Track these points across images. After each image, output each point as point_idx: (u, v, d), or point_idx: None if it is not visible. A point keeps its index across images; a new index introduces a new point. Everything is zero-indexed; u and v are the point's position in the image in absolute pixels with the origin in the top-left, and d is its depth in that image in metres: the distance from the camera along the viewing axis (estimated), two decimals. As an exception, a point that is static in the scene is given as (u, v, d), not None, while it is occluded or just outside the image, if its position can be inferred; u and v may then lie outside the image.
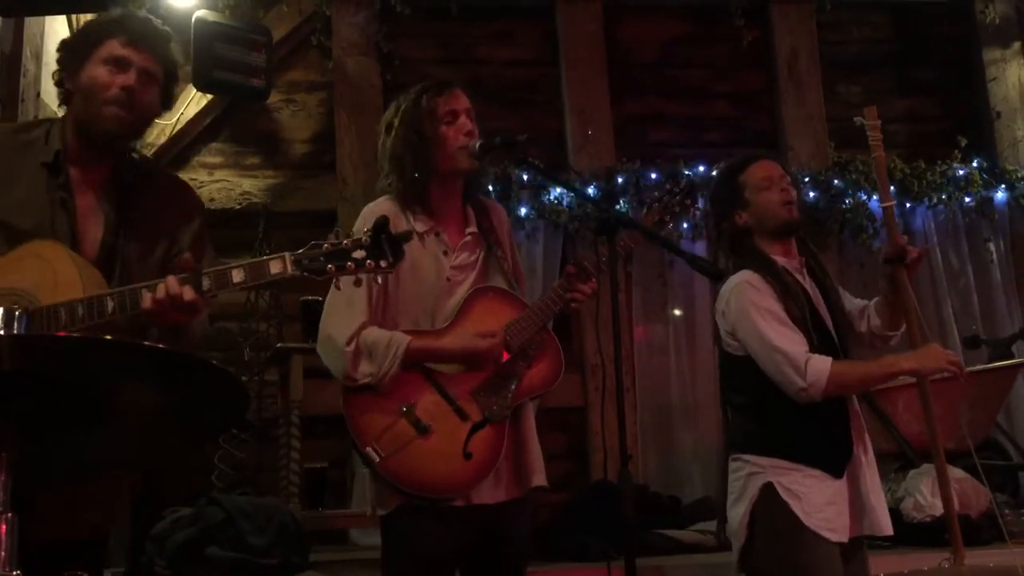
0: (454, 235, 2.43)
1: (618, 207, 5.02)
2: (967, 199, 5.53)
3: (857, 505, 2.47)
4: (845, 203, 5.35)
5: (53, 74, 2.09)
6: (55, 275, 1.83)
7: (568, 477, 4.96)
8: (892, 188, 5.32)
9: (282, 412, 4.42)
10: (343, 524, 4.57)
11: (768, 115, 5.72)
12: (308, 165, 5.31)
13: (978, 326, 5.37)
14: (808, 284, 2.61)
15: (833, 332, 2.56)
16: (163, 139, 5.05)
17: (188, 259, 1.82)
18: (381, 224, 1.84)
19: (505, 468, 2.33)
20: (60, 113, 2.16)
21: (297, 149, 5.34)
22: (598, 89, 5.48)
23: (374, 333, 2.28)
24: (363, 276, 1.83)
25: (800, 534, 2.39)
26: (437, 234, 2.40)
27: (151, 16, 2.10)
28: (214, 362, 1.19)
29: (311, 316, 4.16)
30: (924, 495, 3.91)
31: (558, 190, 5.10)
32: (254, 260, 1.83)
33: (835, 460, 2.46)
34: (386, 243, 1.82)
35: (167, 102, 2.13)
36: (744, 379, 2.55)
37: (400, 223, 2.35)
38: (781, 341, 2.43)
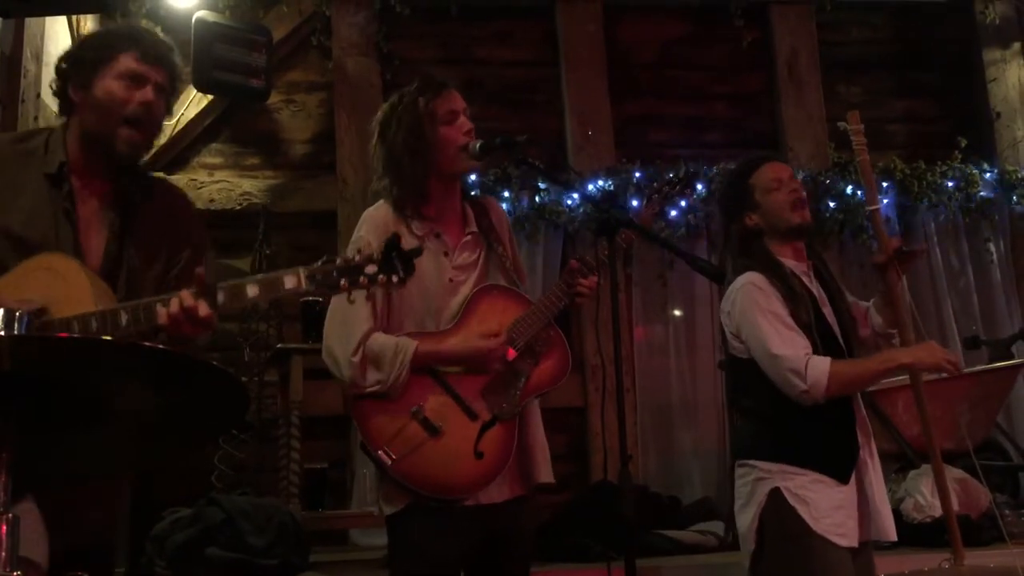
0: (454, 236, 2.43)
1: (618, 207, 5.02)
2: (967, 200, 5.53)
3: (864, 510, 2.47)
4: (845, 204, 5.35)
5: (51, 83, 2.09)
6: (67, 288, 1.84)
7: (568, 478, 4.95)
8: (892, 188, 5.36)
9: (282, 412, 4.42)
10: (343, 524, 4.57)
11: (768, 116, 5.72)
12: (308, 165, 5.31)
13: (978, 326, 5.37)
14: (815, 288, 2.61)
15: (839, 336, 2.56)
16: (163, 140, 5.04)
17: (201, 273, 1.82)
18: (392, 240, 1.88)
19: (510, 466, 2.33)
20: (40, 121, 2.15)
21: (297, 149, 5.35)
22: (598, 89, 5.48)
23: (380, 340, 2.28)
24: (375, 291, 1.85)
25: (810, 539, 2.38)
26: (437, 236, 2.40)
27: (154, 27, 2.10)
28: (214, 363, 1.19)
29: (311, 316, 4.17)
30: (924, 496, 3.91)
31: (558, 190, 5.10)
32: (268, 275, 1.85)
33: (841, 465, 2.46)
34: (397, 259, 1.86)
35: (170, 110, 2.15)
36: (751, 382, 2.54)
37: (400, 227, 2.36)
38: (783, 344, 2.43)
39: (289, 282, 1.83)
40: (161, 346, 1.17)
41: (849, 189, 5.36)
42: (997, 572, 2.68)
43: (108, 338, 1.21)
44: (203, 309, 1.78)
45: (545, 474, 2.40)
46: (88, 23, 4.62)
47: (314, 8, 5.29)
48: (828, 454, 2.46)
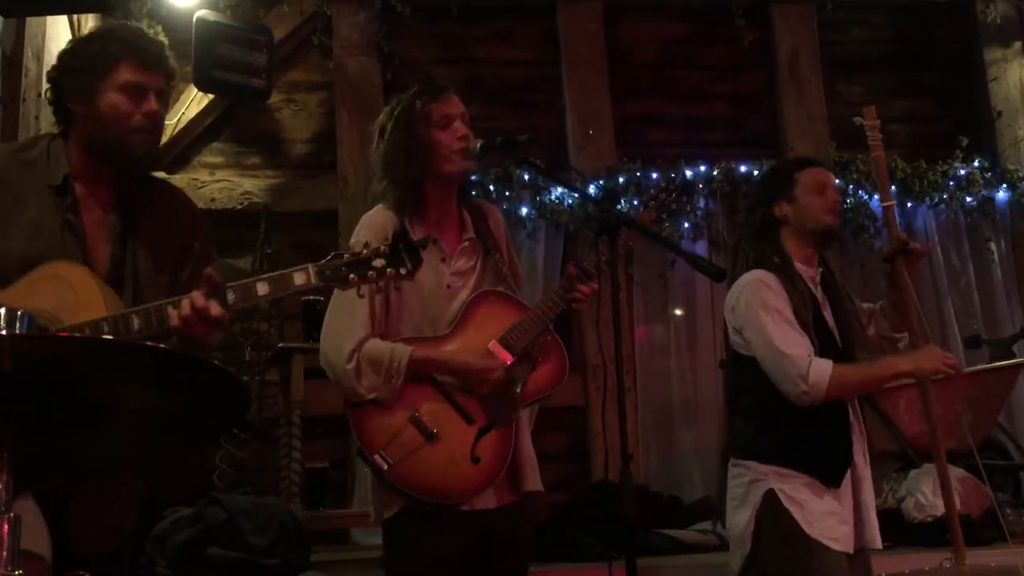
0: (451, 241, 2.43)
1: (619, 207, 5.02)
2: (968, 199, 5.53)
3: (858, 516, 2.48)
4: (846, 203, 5.35)
5: (46, 92, 2.08)
6: (76, 295, 1.84)
7: (569, 477, 4.96)
8: (893, 188, 5.35)
9: (283, 412, 4.42)
10: (344, 524, 4.57)
11: (768, 115, 5.72)
12: (309, 165, 5.31)
13: (979, 326, 5.36)
14: (820, 295, 2.61)
15: (840, 342, 2.56)
16: (164, 139, 5.04)
17: (210, 274, 1.83)
18: (400, 233, 1.92)
19: (504, 472, 2.33)
20: (41, 120, 2.15)
21: (298, 149, 5.35)
22: (599, 89, 5.48)
23: (375, 347, 2.27)
24: (383, 284, 1.88)
25: (806, 542, 2.39)
26: (434, 242, 2.39)
27: (154, 26, 2.10)
28: (215, 362, 1.19)
29: (312, 316, 4.17)
30: (925, 495, 3.91)
31: (559, 190, 5.11)
32: (278, 273, 1.87)
33: (833, 470, 2.46)
34: (404, 251, 1.88)
35: (167, 108, 2.15)
36: (750, 381, 2.54)
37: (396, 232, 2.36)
38: (787, 343, 2.43)
39: (299, 279, 1.84)
40: (162, 346, 1.17)
41: (850, 188, 5.36)
42: (998, 571, 2.68)
43: (109, 337, 1.22)
44: (215, 309, 1.78)
45: (532, 482, 2.39)
46: (89, 22, 4.62)
47: (315, 8, 5.29)
48: (821, 459, 2.47)
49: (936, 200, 5.49)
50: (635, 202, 5.03)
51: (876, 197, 5.35)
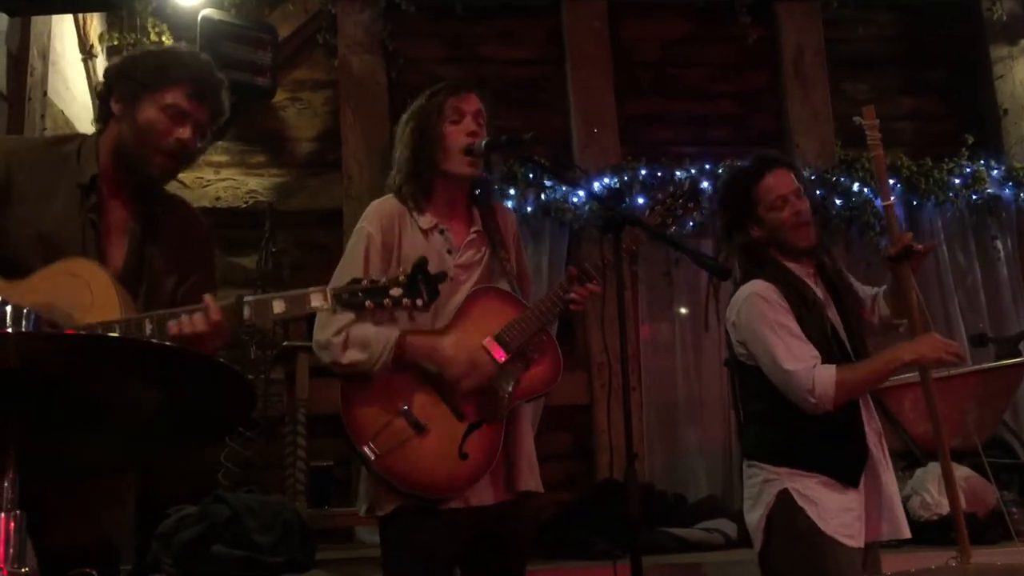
0: (459, 233, 2.43)
1: (624, 205, 5.01)
2: (974, 197, 5.51)
3: (878, 510, 2.47)
4: (851, 201, 5.34)
5: (97, 85, 2.10)
6: (91, 295, 1.86)
7: (574, 476, 4.96)
8: (898, 186, 5.35)
9: (288, 410, 4.43)
10: (348, 522, 4.57)
11: (774, 113, 5.71)
12: (314, 163, 5.31)
13: (985, 324, 5.35)
14: (820, 290, 2.60)
15: (846, 340, 2.55)
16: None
17: (208, 303, 1.87)
18: (420, 264, 1.93)
19: (500, 470, 2.32)
20: (46, 119, 2.17)
21: (303, 147, 5.35)
22: (603, 87, 5.48)
23: (366, 328, 2.27)
24: (399, 314, 1.92)
25: (819, 539, 2.38)
26: (441, 231, 2.40)
27: (210, 60, 2.12)
28: (221, 360, 1.19)
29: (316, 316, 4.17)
30: (931, 493, 3.91)
31: (564, 188, 5.10)
32: (295, 292, 1.90)
33: (850, 470, 2.46)
34: (422, 283, 1.91)
35: (204, 140, 2.16)
36: (758, 387, 2.54)
37: (404, 220, 2.36)
38: (789, 358, 2.42)
39: (315, 300, 1.88)
40: (168, 344, 1.17)
41: (856, 186, 5.35)
42: (1004, 570, 2.67)
43: (115, 335, 1.22)
44: (217, 314, 1.84)
45: (527, 482, 2.36)
46: (94, 21, 4.63)
47: (320, 6, 5.29)
48: (837, 458, 2.46)
49: (942, 198, 5.47)
50: (640, 200, 5.03)
51: (880, 196, 5.34)
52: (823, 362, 2.42)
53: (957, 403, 3.90)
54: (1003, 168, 5.58)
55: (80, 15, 4.39)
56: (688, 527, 4.37)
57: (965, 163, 5.52)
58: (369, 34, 5.33)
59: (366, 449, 2.23)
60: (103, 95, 2.08)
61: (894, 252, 2.59)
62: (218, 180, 5.17)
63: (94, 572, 1.37)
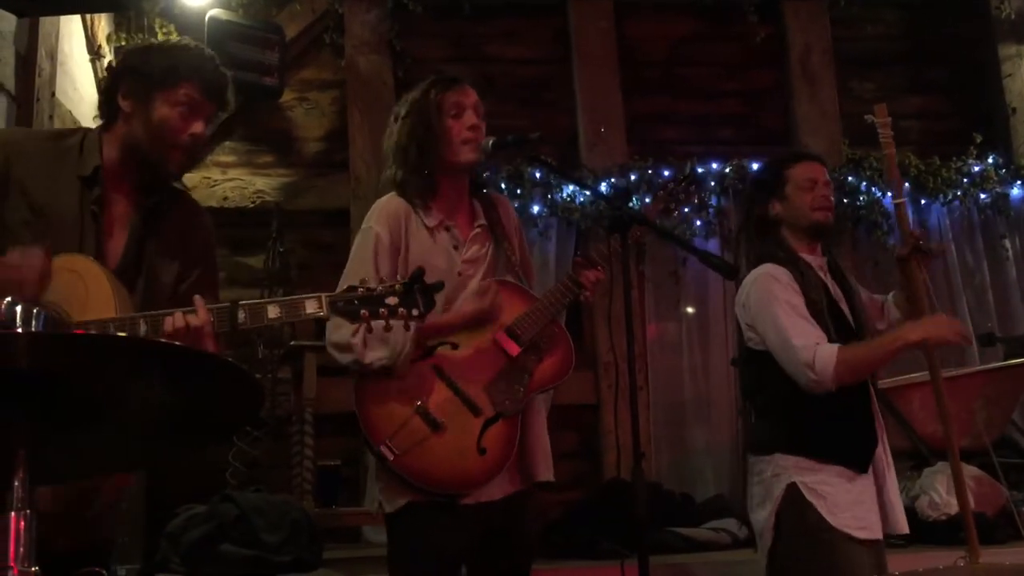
0: (463, 228, 2.44)
1: (630, 204, 5.01)
2: (982, 196, 5.50)
3: (881, 503, 2.47)
4: (859, 200, 5.33)
5: (101, 81, 2.11)
6: (87, 291, 1.86)
7: (581, 475, 4.96)
8: (906, 185, 5.33)
9: (295, 410, 4.44)
10: (356, 521, 4.58)
11: (781, 112, 5.70)
12: (321, 163, 5.32)
13: (993, 323, 5.33)
14: (830, 282, 2.61)
15: (854, 328, 2.55)
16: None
17: (199, 302, 1.87)
18: (417, 274, 1.92)
19: (511, 463, 2.33)
20: (55, 120, 2.17)
21: (310, 147, 5.36)
22: (610, 86, 5.48)
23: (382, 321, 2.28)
24: (394, 323, 1.90)
25: (827, 534, 2.38)
26: (447, 228, 2.40)
27: (215, 55, 2.14)
28: (230, 360, 1.19)
29: (324, 314, 4.17)
30: (939, 493, 3.89)
31: (570, 188, 5.10)
32: (290, 298, 1.91)
33: (860, 455, 2.45)
34: (418, 292, 1.91)
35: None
36: (766, 377, 2.54)
37: (410, 218, 2.36)
38: (795, 333, 2.43)
39: (310, 307, 1.89)
40: (178, 343, 1.18)
41: (863, 185, 5.33)
42: (1013, 570, 2.66)
43: (124, 335, 1.22)
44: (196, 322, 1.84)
45: (544, 472, 2.39)
46: (102, 22, 4.64)
47: (327, 6, 5.30)
48: (846, 445, 2.46)
49: (950, 197, 5.46)
50: (647, 200, 5.02)
51: (889, 195, 5.33)
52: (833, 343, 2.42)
53: (966, 403, 3.89)
54: (1011, 167, 5.56)
55: (88, 16, 4.41)
56: (695, 527, 4.36)
57: (973, 162, 5.50)
58: (376, 34, 5.34)
59: (384, 448, 2.23)
60: (109, 90, 2.08)
61: (904, 251, 2.59)
62: (225, 180, 5.18)
63: (103, 571, 1.37)
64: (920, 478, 4.06)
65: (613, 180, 5.17)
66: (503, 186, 5.04)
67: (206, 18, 4.66)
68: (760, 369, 2.57)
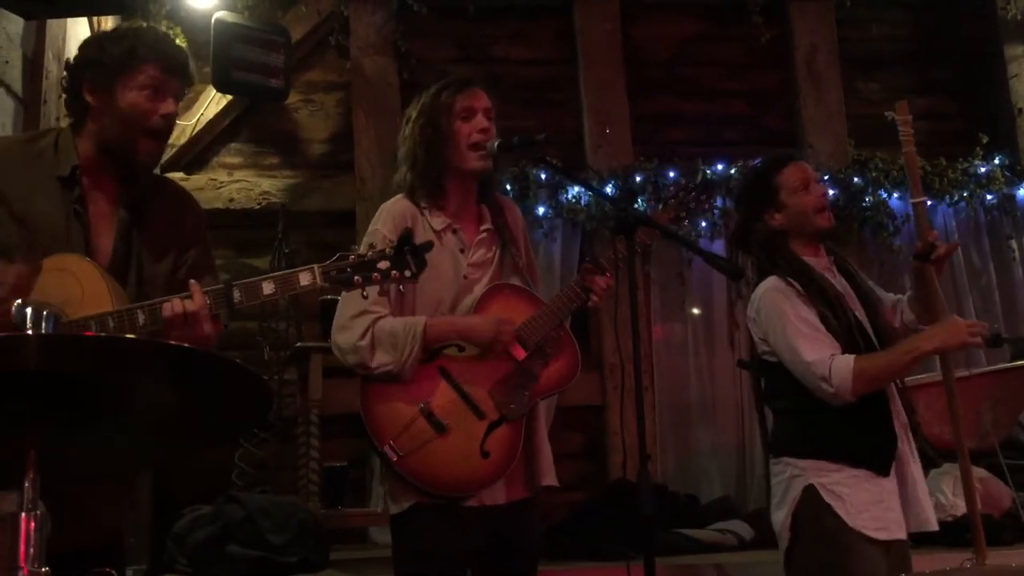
0: (470, 232, 2.44)
1: (636, 205, 5.01)
2: (989, 196, 5.49)
3: (906, 502, 2.46)
4: (865, 201, 5.32)
5: (63, 79, 2.09)
6: (82, 288, 1.86)
7: (586, 477, 4.96)
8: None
9: (301, 411, 4.44)
10: (362, 522, 4.59)
11: (786, 113, 5.70)
12: (326, 165, 5.33)
13: (1000, 324, 5.32)
14: (840, 283, 2.60)
15: (871, 332, 2.55)
16: (183, 140, 5.08)
17: (194, 286, 1.87)
18: (405, 235, 1.91)
19: (516, 468, 2.33)
20: (63, 122, 2.16)
21: (315, 149, 5.37)
22: (615, 87, 5.48)
23: (389, 322, 2.29)
24: (388, 286, 1.89)
25: (844, 536, 2.37)
26: (454, 231, 2.41)
27: (173, 28, 2.13)
28: (238, 361, 1.20)
29: (330, 315, 4.17)
30: (946, 495, 3.89)
31: (576, 189, 5.10)
32: (283, 272, 1.89)
33: (881, 458, 2.44)
34: (409, 254, 1.90)
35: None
36: (783, 384, 2.53)
37: (417, 221, 2.36)
38: (807, 349, 2.41)
39: (304, 279, 1.87)
40: (186, 345, 1.18)
41: (869, 186, 5.32)
42: (1020, 572, 2.66)
43: (132, 336, 1.23)
44: (193, 307, 1.83)
45: (548, 477, 2.39)
46: (109, 24, 4.65)
47: (332, 8, 5.30)
48: (866, 448, 2.45)
49: (956, 198, 5.45)
50: (658, 207, 5.01)
51: (896, 195, 5.33)
52: (848, 354, 2.41)
53: (973, 404, 3.88)
54: (1018, 167, 5.55)
55: (95, 18, 4.42)
56: (701, 528, 4.36)
57: (979, 163, 5.48)
58: (381, 35, 5.35)
59: (388, 449, 2.24)
60: (72, 87, 2.05)
61: (919, 250, 2.58)
62: (231, 182, 5.19)
63: (113, 572, 1.37)
64: (927, 480, 4.05)
65: (619, 181, 5.17)
66: (508, 187, 5.04)
67: (212, 20, 4.66)
68: (775, 376, 2.56)
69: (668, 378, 5.25)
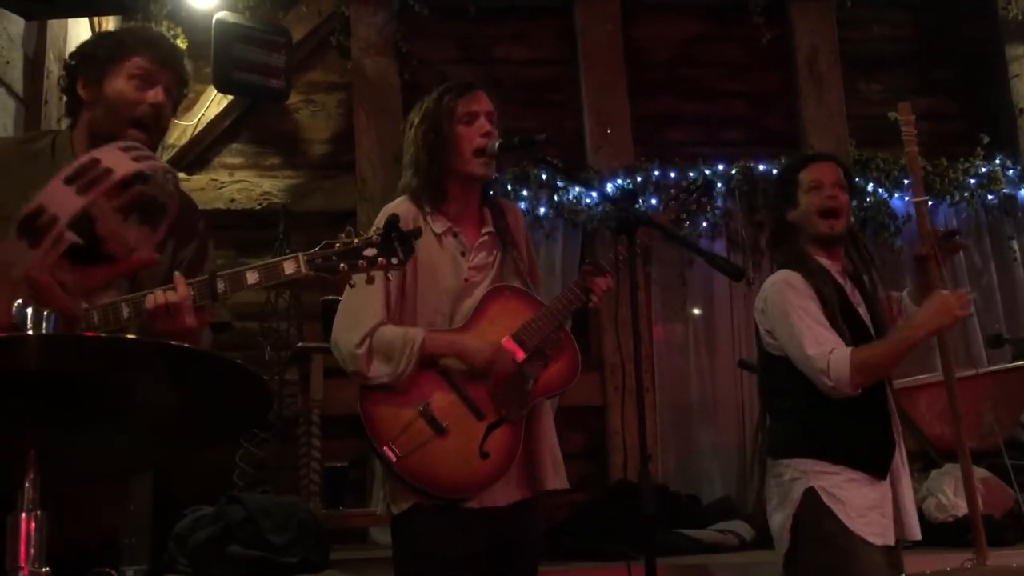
0: (471, 235, 2.43)
1: (637, 206, 5.01)
2: (990, 197, 5.49)
3: (897, 509, 2.47)
4: (866, 201, 5.32)
5: (60, 79, 2.08)
6: None
7: (587, 477, 4.96)
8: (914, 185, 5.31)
9: (302, 411, 4.45)
10: (363, 523, 4.58)
11: (787, 114, 5.70)
12: (327, 165, 5.33)
13: (1001, 325, 5.31)
14: (848, 286, 2.60)
15: (873, 334, 2.55)
16: (184, 140, 5.09)
17: (178, 278, 1.83)
18: (391, 222, 1.88)
19: (516, 469, 2.33)
20: (63, 123, 2.13)
21: (316, 149, 5.37)
22: (616, 88, 5.48)
23: (389, 331, 2.28)
24: (375, 274, 1.86)
25: (844, 539, 2.38)
26: (455, 235, 2.40)
27: (174, 28, 2.10)
28: (239, 362, 1.20)
29: (331, 316, 4.17)
30: (947, 495, 3.89)
31: (577, 189, 5.10)
32: (268, 261, 1.86)
33: (878, 461, 2.45)
34: (396, 241, 1.86)
35: (175, 112, 2.14)
36: (786, 381, 2.54)
37: (419, 223, 2.36)
38: (810, 342, 2.43)
39: (289, 267, 1.84)
40: (186, 345, 1.18)
41: (870, 187, 5.32)
42: (1021, 572, 2.66)
43: (133, 336, 1.23)
44: (176, 298, 1.80)
45: (553, 480, 2.38)
46: (109, 24, 4.66)
47: (333, 8, 5.31)
48: (865, 450, 2.46)
49: (957, 198, 5.45)
50: (653, 201, 5.02)
51: (897, 195, 5.33)
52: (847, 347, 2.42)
53: (974, 404, 3.88)
54: (1019, 168, 5.55)
55: (96, 18, 4.42)
56: (702, 528, 4.36)
57: (980, 163, 5.48)
58: (382, 36, 5.35)
59: (387, 451, 2.24)
60: (68, 87, 2.04)
61: (924, 250, 2.59)
62: (232, 182, 5.19)
63: (113, 572, 1.37)
64: (927, 480, 4.06)
65: (619, 181, 5.17)
66: (509, 188, 5.05)
67: (213, 20, 4.67)
68: (779, 373, 2.57)
69: (669, 378, 5.25)
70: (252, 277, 1.84)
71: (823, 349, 2.41)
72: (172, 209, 1.76)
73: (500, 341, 2.34)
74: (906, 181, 5.29)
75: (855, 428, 2.45)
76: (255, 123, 5.28)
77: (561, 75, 5.56)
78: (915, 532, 2.50)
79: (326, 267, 1.84)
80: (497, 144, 2.37)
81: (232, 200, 5.14)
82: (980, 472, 3.78)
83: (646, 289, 5.12)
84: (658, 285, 5.27)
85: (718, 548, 4.20)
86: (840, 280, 2.59)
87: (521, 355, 2.34)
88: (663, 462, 5.08)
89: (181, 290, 1.79)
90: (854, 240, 2.71)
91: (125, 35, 2.02)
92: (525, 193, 5.08)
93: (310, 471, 4.18)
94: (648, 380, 5.01)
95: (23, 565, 1.15)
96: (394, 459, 2.23)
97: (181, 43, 4.82)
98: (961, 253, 5.40)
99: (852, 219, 2.69)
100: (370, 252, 1.85)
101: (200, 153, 5.19)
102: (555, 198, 5.14)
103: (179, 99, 2.11)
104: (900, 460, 2.52)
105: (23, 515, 1.16)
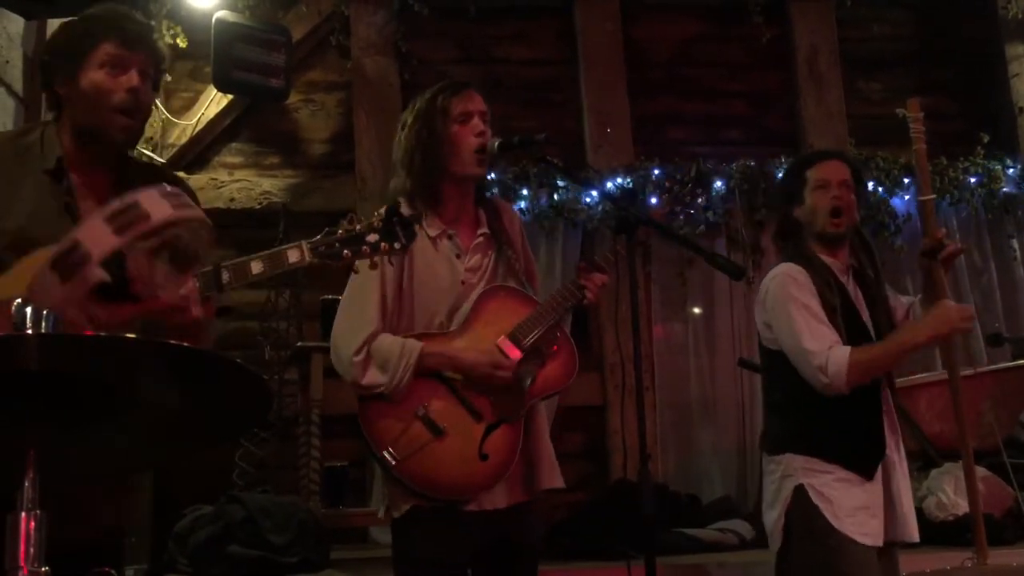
0: (466, 237, 2.42)
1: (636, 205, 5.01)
2: (990, 196, 5.48)
3: (890, 509, 2.46)
4: (866, 201, 5.31)
5: (37, 80, 2.06)
6: None
7: (587, 477, 4.96)
8: (914, 184, 5.31)
9: (302, 411, 4.45)
10: (363, 522, 4.59)
11: (787, 113, 5.70)
12: (327, 165, 5.33)
13: (1001, 324, 5.32)
14: (851, 285, 2.60)
15: (872, 333, 2.55)
16: (184, 139, 5.09)
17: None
18: (392, 208, 1.89)
19: (515, 470, 2.32)
20: (48, 117, 2.12)
21: (316, 149, 5.37)
22: (616, 88, 5.48)
23: (386, 342, 2.27)
24: (378, 259, 1.87)
25: (833, 538, 2.38)
26: (450, 237, 2.39)
27: (130, 11, 2.07)
28: (239, 361, 1.19)
29: (331, 316, 4.17)
30: (947, 494, 3.89)
31: (577, 189, 5.10)
32: (272, 250, 1.85)
33: (867, 461, 2.45)
34: (398, 225, 1.88)
35: (156, 90, 2.10)
36: (780, 376, 2.54)
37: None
38: (809, 337, 2.43)
39: (293, 256, 1.85)
40: (187, 345, 1.18)
41: (870, 186, 5.32)
42: (1021, 571, 2.66)
43: (133, 336, 1.23)
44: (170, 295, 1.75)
45: (550, 479, 2.37)
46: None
47: (333, 8, 5.31)
48: (855, 450, 2.46)
49: (957, 197, 5.44)
50: (653, 200, 5.02)
51: (897, 195, 5.33)
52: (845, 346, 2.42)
53: (974, 403, 3.88)
54: (1019, 167, 5.54)
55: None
56: (702, 528, 4.36)
57: (980, 162, 5.48)
58: (382, 36, 5.35)
59: (386, 454, 2.23)
60: (46, 84, 2.02)
61: (926, 247, 2.59)
62: (232, 181, 5.19)
63: (113, 571, 1.37)
64: (927, 479, 4.06)
65: (619, 181, 5.17)
66: (509, 187, 5.04)
67: (213, 20, 4.67)
68: (774, 368, 2.57)
69: (669, 378, 5.25)
70: (257, 267, 1.83)
71: (821, 346, 2.41)
72: (204, 260, 1.77)
73: (496, 345, 2.33)
74: (906, 180, 5.29)
75: (845, 427, 2.45)
76: (255, 122, 5.28)
77: (561, 75, 5.56)
78: (911, 534, 2.50)
79: (330, 254, 1.85)
80: (498, 144, 2.37)
81: (232, 199, 5.14)
82: (980, 471, 3.77)
83: (646, 288, 5.12)
84: (658, 284, 5.27)
85: (718, 547, 4.20)
86: (843, 279, 2.59)
87: (517, 354, 2.33)
88: (663, 462, 5.08)
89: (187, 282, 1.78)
90: (860, 239, 2.71)
91: (90, 22, 1.99)
92: (525, 192, 5.07)
93: (310, 471, 4.18)
94: (648, 379, 5.01)
95: (23, 564, 1.15)
96: (393, 463, 2.23)
97: (181, 43, 4.82)
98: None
99: (858, 218, 2.68)
100: (373, 238, 1.86)
101: (200, 152, 5.19)
102: (555, 197, 5.13)
103: (158, 76, 2.07)
104: (896, 461, 2.52)
105: (23, 515, 1.16)
